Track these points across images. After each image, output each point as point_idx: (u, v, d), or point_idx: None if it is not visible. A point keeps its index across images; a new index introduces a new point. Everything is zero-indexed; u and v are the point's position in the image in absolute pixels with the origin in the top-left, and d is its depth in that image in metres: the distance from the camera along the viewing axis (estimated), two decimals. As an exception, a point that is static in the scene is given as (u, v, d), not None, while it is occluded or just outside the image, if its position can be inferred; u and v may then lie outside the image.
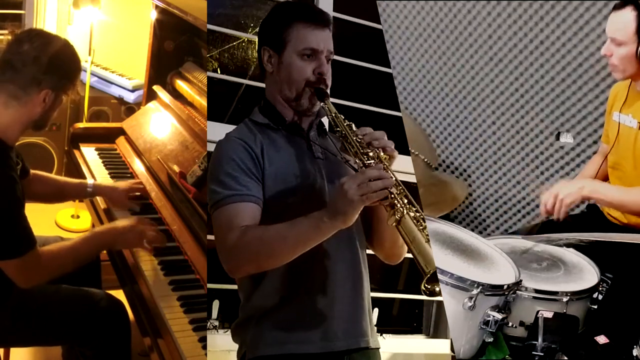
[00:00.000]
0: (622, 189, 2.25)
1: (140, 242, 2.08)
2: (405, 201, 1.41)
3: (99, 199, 2.50)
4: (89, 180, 2.50)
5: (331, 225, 1.41)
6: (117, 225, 2.12)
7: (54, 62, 2.00)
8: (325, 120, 1.70)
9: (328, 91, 1.61)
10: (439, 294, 1.41)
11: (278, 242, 1.45)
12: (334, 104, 1.60)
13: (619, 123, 2.31)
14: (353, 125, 1.54)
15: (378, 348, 1.66)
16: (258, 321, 1.58)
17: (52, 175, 2.43)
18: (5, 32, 2.05)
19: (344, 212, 1.39)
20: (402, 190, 1.43)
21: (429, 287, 1.38)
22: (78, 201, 3.70)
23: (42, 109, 2.02)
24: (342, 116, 1.56)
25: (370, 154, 1.47)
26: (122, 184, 2.49)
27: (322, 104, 1.59)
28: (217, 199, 1.52)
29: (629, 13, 2.13)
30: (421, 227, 1.40)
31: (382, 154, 1.48)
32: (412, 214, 1.40)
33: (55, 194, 2.43)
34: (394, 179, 1.43)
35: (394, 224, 1.40)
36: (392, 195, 1.39)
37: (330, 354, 1.56)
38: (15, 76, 1.97)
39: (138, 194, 2.45)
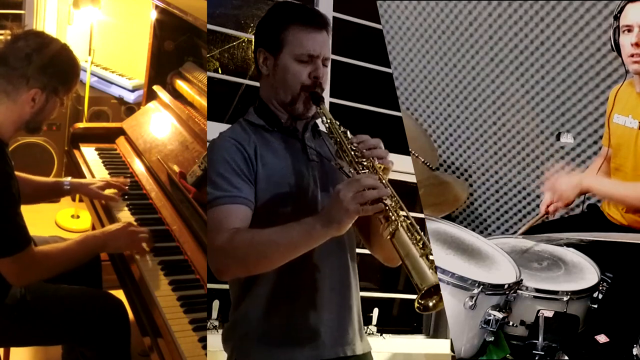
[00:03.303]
0: (621, 183, 2.26)
1: (131, 245, 2.10)
2: (401, 213, 1.37)
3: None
4: (66, 179, 2.50)
5: (324, 233, 1.38)
6: (110, 228, 2.14)
7: (45, 63, 1.99)
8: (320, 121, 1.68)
9: (324, 95, 1.58)
10: (433, 309, 1.37)
11: (268, 247, 1.42)
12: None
13: (618, 124, 2.32)
14: (348, 133, 1.50)
15: (369, 351, 1.64)
16: (246, 331, 1.56)
17: (29, 176, 2.38)
18: (7, 32, 2.04)
19: (338, 220, 1.36)
20: (397, 202, 1.39)
21: (422, 302, 1.34)
22: (78, 201, 3.70)
23: (32, 109, 2.00)
24: (337, 122, 1.52)
25: (365, 163, 1.44)
26: (98, 181, 2.51)
27: (317, 108, 1.56)
28: (208, 199, 1.50)
29: None
30: (416, 241, 1.35)
31: (376, 163, 1.44)
32: (406, 227, 1.36)
33: (33, 195, 2.37)
34: (389, 189, 1.38)
35: (388, 236, 1.36)
36: (387, 207, 1.36)
37: None
38: (7, 72, 1.97)
39: (118, 191, 2.48)
